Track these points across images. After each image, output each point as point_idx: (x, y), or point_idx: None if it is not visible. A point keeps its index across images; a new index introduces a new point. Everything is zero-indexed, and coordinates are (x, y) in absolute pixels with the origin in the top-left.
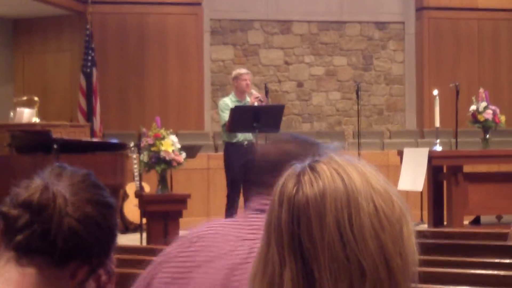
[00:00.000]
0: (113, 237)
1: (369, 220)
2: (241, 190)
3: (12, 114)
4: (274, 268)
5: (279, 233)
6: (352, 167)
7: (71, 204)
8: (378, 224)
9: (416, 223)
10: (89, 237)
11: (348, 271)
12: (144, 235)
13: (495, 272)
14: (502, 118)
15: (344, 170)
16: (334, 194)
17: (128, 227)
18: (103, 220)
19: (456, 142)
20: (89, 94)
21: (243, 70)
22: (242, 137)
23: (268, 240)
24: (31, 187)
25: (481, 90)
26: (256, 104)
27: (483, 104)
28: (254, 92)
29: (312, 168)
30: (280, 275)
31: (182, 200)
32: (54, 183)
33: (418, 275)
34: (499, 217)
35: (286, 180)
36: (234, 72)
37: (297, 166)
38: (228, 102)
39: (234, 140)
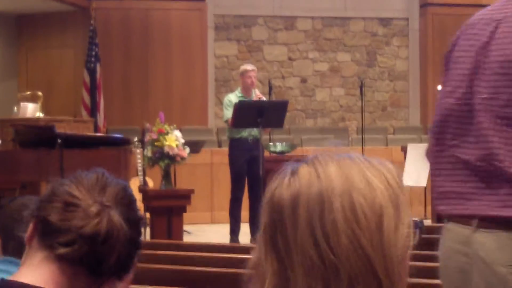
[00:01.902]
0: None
1: (342, 216)
2: (246, 186)
3: (16, 109)
4: (262, 265)
5: (263, 231)
6: (336, 165)
7: (125, 230)
8: (353, 219)
9: (420, 219)
10: (130, 258)
11: (322, 271)
12: (148, 230)
13: None
14: None
15: (324, 170)
16: (308, 195)
17: None
18: (139, 237)
19: None
20: (92, 90)
21: (249, 67)
22: (247, 133)
23: (259, 237)
24: (89, 215)
25: None
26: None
27: None
28: (257, 92)
29: (293, 171)
30: (266, 272)
31: (185, 196)
32: (106, 205)
33: (420, 270)
34: None
35: (274, 181)
36: (241, 68)
37: (285, 168)
38: (232, 98)
39: (238, 136)
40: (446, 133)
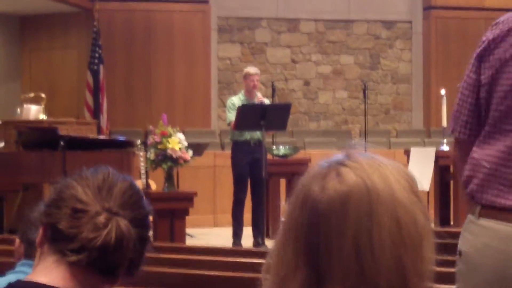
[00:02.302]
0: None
1: (390, 235)
2: (248, 188)
3: (19, 110)
4: (288, 269)
5: (297, 235)
6: (378, 172)
7: (133, 234)
8: (399, 239)
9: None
10: (140, 258)
11: (361, 285)
12: (150, 232)
13: None
14: None
15: (369, 177)
16: (356, 204)
17: None
18: (147, 233)
19: None
20: (96, 91)
21: (252, 70)
22: (249, 135)
23: (285, 239)
24: (98, 226)
25: None
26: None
27: None
28: (259, 95)
29: (338, 173)
30: (293, 278)
31: (188, 198)
32: (114, 212)
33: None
34: None
35: (311, 181)
36: (245, 70)
37: (322, 166)
38: (236, 101)
39: (241, 139)
40: None
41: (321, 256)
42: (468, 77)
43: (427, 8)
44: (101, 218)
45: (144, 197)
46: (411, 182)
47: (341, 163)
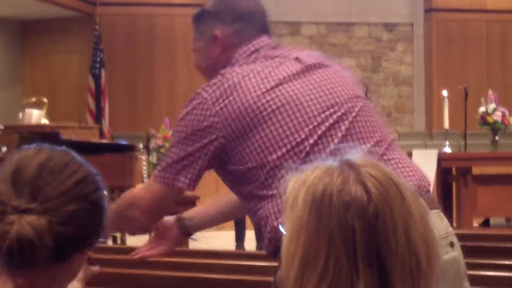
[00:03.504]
0: (98, 215)
1: (420, 227)
2: None
3: (21, 115)
4: (341, 279)
5: (349, 243)
6: (388, 168)
7: (50, 222)
8: (424, 230)
9: None
10: (78, 232)
11: (413, 275)
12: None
13: (506, 274)
14: (511, 120)
15: (388, 175)
16: (396, 202)
17: None
18: (87, 208)
19: (465, 144)
20: (97, 96)
21: None
22: None
23: (326, 247)
24: (4, 228)
25: (490, 92)
26: None
27: (492, 106)
28: None
29: (358, 173)
30: (351, 286)
31: (191, 202)
32: (21, 207)
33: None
34: (508, 220)
35: (346, 185)
36: None
37: (332, 168)
38: None
39: None
40: None
41: (383, 257)
42: None
43: (428, 10)
44: (4, 223)
45: (81, 164)
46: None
47: (352, 164)
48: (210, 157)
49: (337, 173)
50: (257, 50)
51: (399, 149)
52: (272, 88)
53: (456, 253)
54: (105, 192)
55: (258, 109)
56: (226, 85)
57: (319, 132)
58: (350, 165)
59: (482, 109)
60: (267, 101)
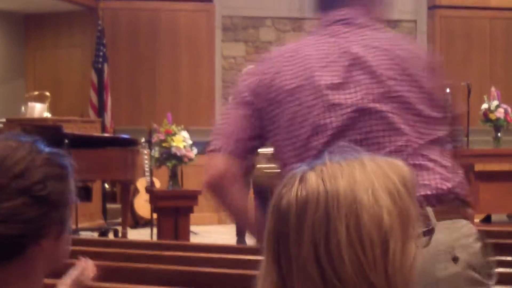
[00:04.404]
0: (43, 208)
1: (347, 240)
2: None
3: (23, 109)
4: (263, 274)
5: (266, 239)
6: (346, 176)
7: None
8: (358, 244)
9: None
10: (21, 229)
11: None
12: (155, 230)
13: (508, 270)
14: None
15: (331, 181)
16: (314, 211)
17: (139, 222)
18: (28, 203)
19: (468, 140)
20: (100, 90)
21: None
22: None
23: (264, 246)
24: None
25: (493, 89)
26: None
27: (495, 103)
28: None
29: (301, 178)
30: (264, 281)
31: (193, 196)
32: None
33: None
34: (510, 216)
35: (279, 188)
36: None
37: (296, 171)
38: None
39: None
40: None
41: (283, 260)
42: None
43: (432, 7)
44: None
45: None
46: (394, 183)
47: (310, 168)
48: None
49: (290, 178)
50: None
51: (433, 153)
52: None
53: (459, 268)
54: (64, 182)
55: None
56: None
57: (333, 132)
58: (305, 169)
59: (484, 106)
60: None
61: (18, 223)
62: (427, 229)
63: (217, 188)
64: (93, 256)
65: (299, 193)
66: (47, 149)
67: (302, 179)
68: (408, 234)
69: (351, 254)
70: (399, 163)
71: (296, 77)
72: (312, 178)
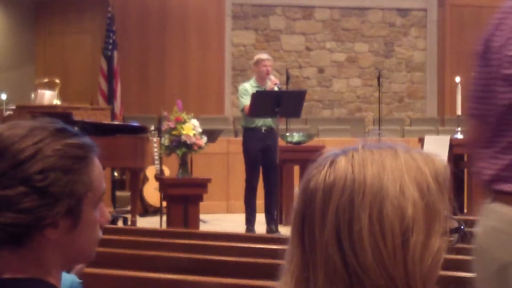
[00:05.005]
0: (43, 198)
1: (369, 229)
2: (260, 175)
3: (33, 96)
4: (289, 254)
5: (293, 220)
6: (375, 166)
7: None
8: (379, 233)
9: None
10: (19, 218)
11: (345, 277)
12: (164, 218)
13: None
14: None
15: (360, 170)
16: (339, 194)
17: (148, 210)
18: (26, 192)
19: None
20: (110, 77)
21: (264, 56)
22: (261, 122)
23: (291, 225)
24: None
25: None
26: (276, 89)
27: None
28: (273, 78)
29: (332, 162)
30: (291, 262)
31: (202, 184)
32: None
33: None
34: None
35: (312, 169)
36: (256, 57)
37: (328, 154)
38: (248, 87)
39: (253, 126)
40: None
41: (307, 242)
42: None
43: None
44: None
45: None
46: (423, 176)
47: (342, 153)
48: None
49: (321, 161)
50: None
51: None
52: None
53: None
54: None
55: None
56: None
57: None
58: (338, 153)
59: None
60: None
61: (13, 212)
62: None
63: None
64: (102, 243)
65: (327, 176)
66: (70, 138)
67: (332, 163)
68: (433, 229)
69: (372, 243)
70: (435, 158)
71: None
72: (342, 163)
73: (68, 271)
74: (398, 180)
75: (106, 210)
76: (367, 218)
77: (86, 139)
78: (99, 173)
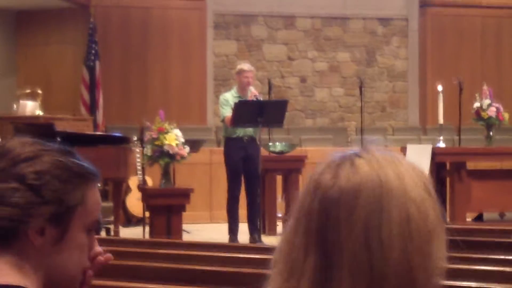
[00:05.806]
0: (31, 197)
1: (399, 230)
2: (242, 184)
3: (15, 106)
4: (298, 255)
5: (308, 220)
6: (392, 167)
7: None
8: (407, 235)
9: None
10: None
11: (369, 277)
12: (147, 228)
13: (500, 268)
14: (506, 116)
15: (383, 171)
16: (368, 196)
17: (131, 220)
18: (16, 188)
19: (460, 138)
20: (92, 87)
21: (246, 67)
22: (242, 132)
23: (296, 225)
24: None
25: (485, 87)
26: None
27: (487, 101)
28: (253, 89)
29: (352, 163)
30: (303, 262)
31: (185, 194)
32: None
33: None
34: (502, 215)
35: (324, 169)
36: (238, 67)
37: (336, 157)
38: (228, 97)
39: (234, 135)
40: None
41: (331, 242)
42: None
43: (423, 5)
44: None
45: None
46: (425, 182)
47: (356, 155)
48: None
49: (333, 162)
50: None
51: None
52: None
53: None
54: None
55: None
56: None
57: None
58: (351, 155)
59: (476, 104)
60: None
61: (2, 205)
62: None
63: None
64: None
65: (351, 177)
66: (75, 158)
67: (353, 164)
68: (443, 235)
69: (401, 243)
70: (417, 165)
71: None
72: (363, 165)
73: None
74: (415, 183)
75: (99, 247)
76: (397, 218)
77: (92, 166)
78: (96, 202)
